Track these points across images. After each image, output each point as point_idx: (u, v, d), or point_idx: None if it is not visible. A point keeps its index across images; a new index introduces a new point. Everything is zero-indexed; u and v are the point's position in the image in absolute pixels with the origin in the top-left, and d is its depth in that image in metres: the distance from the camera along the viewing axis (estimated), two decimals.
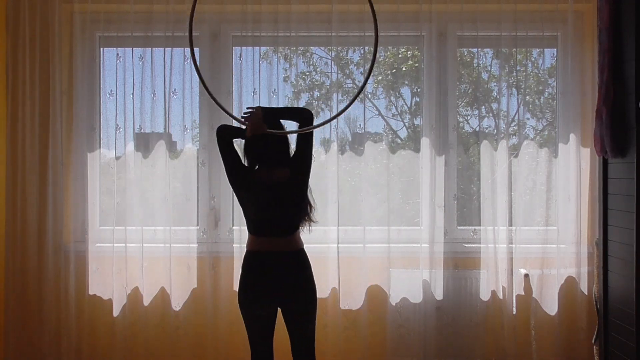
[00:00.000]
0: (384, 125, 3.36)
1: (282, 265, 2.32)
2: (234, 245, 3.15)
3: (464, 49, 3.43)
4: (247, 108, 2.43)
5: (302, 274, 2.34)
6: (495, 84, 3.28)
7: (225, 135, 2.44)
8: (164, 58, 3.17)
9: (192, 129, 3.23)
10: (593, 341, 3.07)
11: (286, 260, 2.32)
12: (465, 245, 3.23)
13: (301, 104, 3.29)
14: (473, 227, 3.29)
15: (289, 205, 2.36)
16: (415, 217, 3.31)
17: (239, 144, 2.53)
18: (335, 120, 3.14)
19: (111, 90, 3.21)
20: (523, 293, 3.15)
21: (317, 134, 3.29)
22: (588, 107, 3.15)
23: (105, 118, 3.26)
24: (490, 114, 3.27)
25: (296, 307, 2.35)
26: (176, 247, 3.15)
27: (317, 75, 3.42)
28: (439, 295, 3.13)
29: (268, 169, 2.36)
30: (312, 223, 2.44)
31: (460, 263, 3.18)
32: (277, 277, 2.31)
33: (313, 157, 2.40)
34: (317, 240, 3.13)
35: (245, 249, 2.41)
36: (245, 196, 2.39)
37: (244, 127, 2.44)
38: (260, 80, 3.18)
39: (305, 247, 2.43)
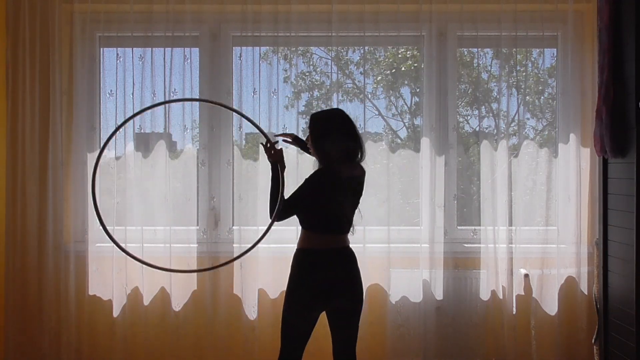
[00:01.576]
0: (384, 125, 3.36)
1: (345, 261, 2.35)
2: (234, 245, 3.15)
3: (464, 49, 3.43)
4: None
5: (357, 269, 2.37)
6: (495, 84, 3.28)
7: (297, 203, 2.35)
8: (164, 58, 3.17)
9: (192, 129, 3.23)
10: (593, 341, 3.07)
11: (346, 256, 2.36)
12: (465, 245, 3.23)
13: (301, 104, 3.29)
14: (473, 227, 3.29)
15: (357, 202, 2.43)
16: (415, 217, 3.31)
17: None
18: None
19: (111, 90, 3.21)
20: (523, 293, 3.15)
21: None
22: (588, 107, 3.15)
23: (105, 118, 3.26)
24: (490, 114, 3.27)
25: (352, 304, 2.36)
26: (176, 247, 3.15)
27: (317, 75, 3.42)
28: (439, 295, 3.13)
29: (351, 165, 2.39)
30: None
31: (460, 263, 3.18)
32: (343, 273, 2.33)
33: None
34: None
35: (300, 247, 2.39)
36: (330, 194, 2.33)
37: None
38: (260, 80, 3.18)
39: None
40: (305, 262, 2.32)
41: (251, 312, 3.14)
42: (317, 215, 2.34)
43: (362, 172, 2.43)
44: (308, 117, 3.30)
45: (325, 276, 2.30)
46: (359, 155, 2.42)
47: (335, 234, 2.35)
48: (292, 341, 2.34)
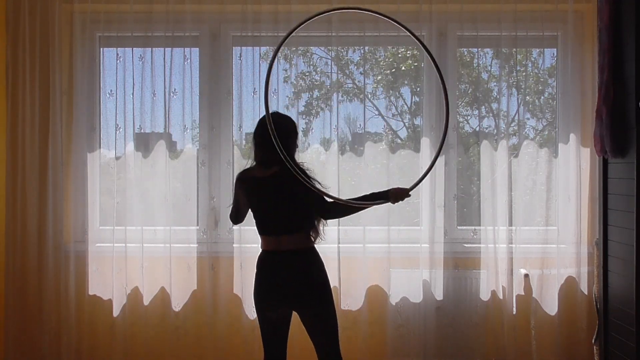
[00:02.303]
0: (384, 125, 3.36)
1: (289, 265, 2.28)
2: (234, 245, 3.15)
3: (464, 49, 3.43)
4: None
5: (310, 274, 2.28)
6: (495, 84, 3.28)
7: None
8: (164, 58, 3.17)
9: (192, 129, 3.23)
10: (593, 341, 3.07)
11: (293, 259, 2.28)
12: (465, 245, 3.23)
13: (301, 104, 3.29)
14: (473, 227, 3.28)
15: (287, 203, 2.31)
16: (415, 217, 3.31)
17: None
18: (335, 121, 3.16)
19: (111, 90, 3.21)
20: (523, 293, 3.15)
21: (317, 134, 3.32)
22: (588, 107, 3.15)
23: (105, 118, 3.26)
24: (490, 114, 3.27)
25: (309, 309, 2.31)
26: (176, 247, 3.15)
27: (317, 76, 3.42)
28: (439, 295, 3.13)
29: (264, 167, 2.35)
30: (317, 235, 2.38)
31: (460, 263, 3.18)
32: (285, 278, 2.27)
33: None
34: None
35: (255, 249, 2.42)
36: (245, 196, 2.39)
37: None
38: (261, 80, 3.18)
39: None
40: (257, 264, 2.38)
41: (251, 312, 3.14)
42: (254, 216, 2.40)
43: (277, 173, 2.29)
44: (308, 118, 3.32)
45: (269, 279, 2.30)
46: (276, 159, 2.28)
47: (268, 235, 2.33)
48: (266, 343, 2.39)
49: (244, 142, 3.26)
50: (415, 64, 3.39)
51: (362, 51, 3.28)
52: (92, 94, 3.24)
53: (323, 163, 3.23)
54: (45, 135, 3.14)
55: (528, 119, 3.35)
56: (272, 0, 3.14)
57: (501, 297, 3.14)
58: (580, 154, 3.15)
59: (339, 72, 3.25)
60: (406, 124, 3.44)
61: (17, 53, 3.12)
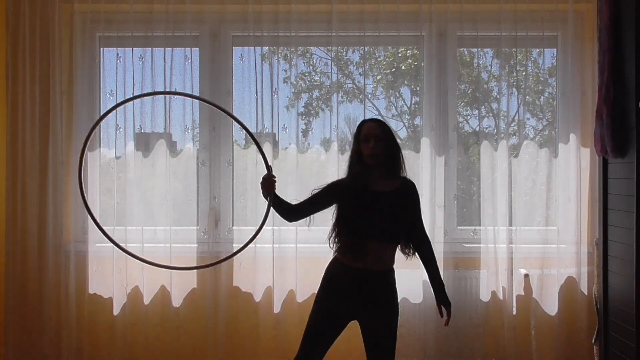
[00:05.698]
0: None
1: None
2: (234, 245, 3.15)
3: (464, 49, 3.43)
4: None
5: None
6: (495, 84, 3.28)
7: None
8: (164, 58, 3.17)
9: (192, 128, 3.23)
10: (593, 341, 3.07)
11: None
12: (465, 245, 3.23)
13: (301, 104, 3.29)
14: (473, 227, 3.28)
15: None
16: None
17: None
18: (335, 121, 3.16)
19: (111, 90, 3.21)
20: (523, 293, 3.15)
21: (317, 135, 3.31)
22: (588, 107, 3.15)
23: (105, 118, 3.25)
24: (490, 114, 3.27)
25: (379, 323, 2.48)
26: (176, 247, 3.15)
27: (317, 76, 3.42)
28: None
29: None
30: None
31: (460, 263, 3.18)
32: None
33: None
34: (317, 240, 3.13)
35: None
36: None
37: None
38: (263, 80, 3.17)
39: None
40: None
41: (251, 311, 3.14)
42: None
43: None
44: (308, 118, 3.31)
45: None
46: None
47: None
48: (310, 340, 2.49)
49: (243, 142, 3.26)
50: (415, 63, 3.39)
51: (362, 51, 3.28)
52: (92, 94, 3.24)
53: (323, 163, 3.23)
54: (45, 135, 3.14)
55: (528, 119, 3.35)
56: (272, 0, 3.14)
57: (501, 297, 3.14)
58: (580, 154, 3.15)
59: (339, 72, 3.25)
60: (406, 124, 3.44)
61: (17, 53, 3.12)
